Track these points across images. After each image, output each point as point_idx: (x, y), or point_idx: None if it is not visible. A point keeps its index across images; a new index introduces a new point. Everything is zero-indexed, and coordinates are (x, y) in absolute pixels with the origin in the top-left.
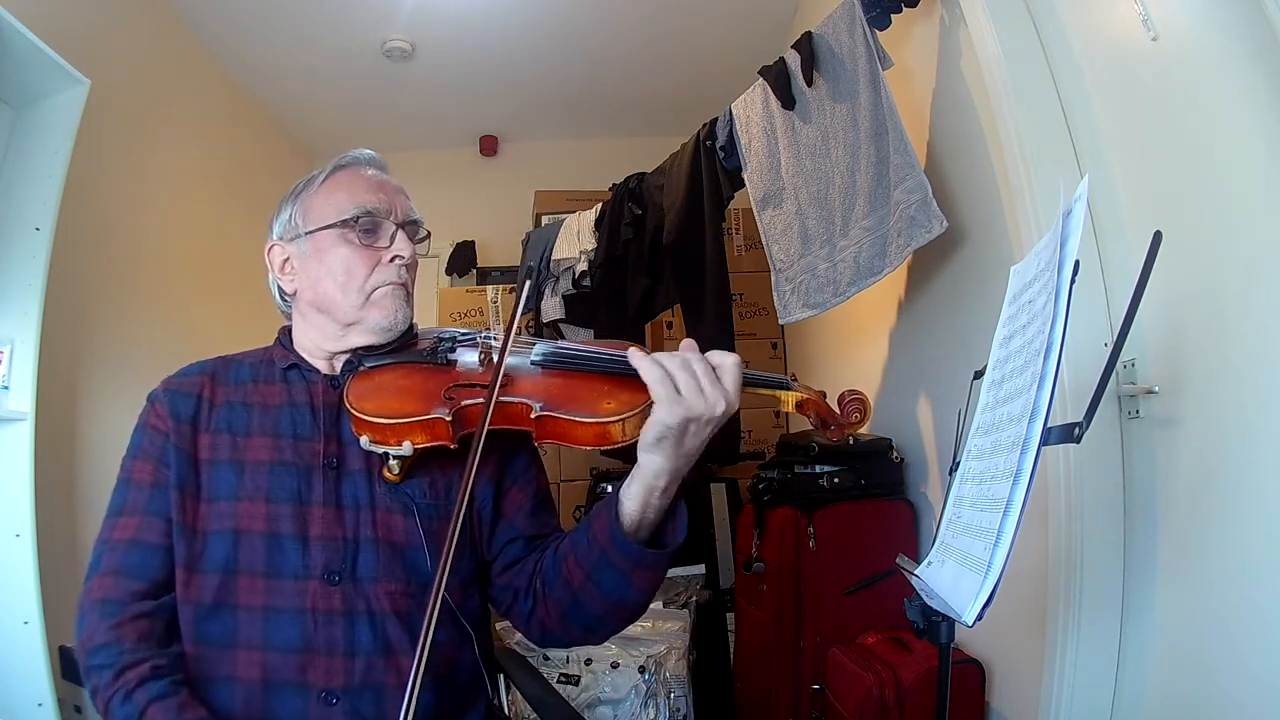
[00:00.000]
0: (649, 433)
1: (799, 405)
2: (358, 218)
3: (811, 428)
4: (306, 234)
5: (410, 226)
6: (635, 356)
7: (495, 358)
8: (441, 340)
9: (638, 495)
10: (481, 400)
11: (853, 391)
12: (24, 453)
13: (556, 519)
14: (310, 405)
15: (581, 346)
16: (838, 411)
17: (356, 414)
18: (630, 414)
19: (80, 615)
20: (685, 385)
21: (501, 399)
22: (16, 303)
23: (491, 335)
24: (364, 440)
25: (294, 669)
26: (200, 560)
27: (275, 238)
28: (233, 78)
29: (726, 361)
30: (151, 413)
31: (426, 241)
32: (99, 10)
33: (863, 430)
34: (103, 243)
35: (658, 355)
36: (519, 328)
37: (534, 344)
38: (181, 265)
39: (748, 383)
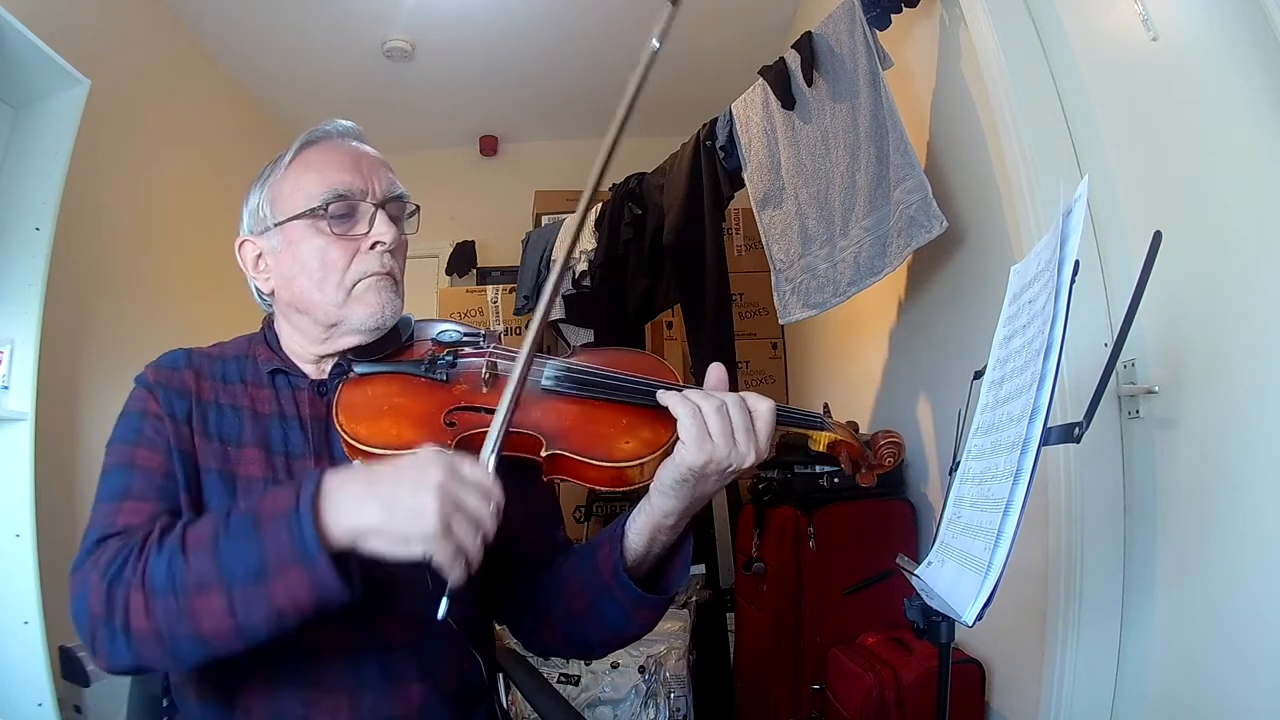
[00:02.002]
0: (668, 474)
1: (831, 446)
2: (328, 203)
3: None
4: (276, 225)
5: (393, 204)
6: (664, 394)
7: (498, 375)
8: (442, 346)
9: (644, 531)
10: (487, 429)
11: (888, 433)
12: (24, 453)
13: (562, 528)
14: (299, 417)
15: (598, 369)
16: (870, 454)
17: (348, 439)
18: (650, 456)
19: (77, 564)
20: (717, 428)
21: (508, 428)
22: (16, 303)
23: (495, 339)
24: (357, 465)
25: (299, 705)
26: None
27: (245, 232)
28: (232, 78)
29: (761, 407)
30: (149, 399)
31: (416, 218)
32: (99, 10)
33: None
34: (103, 243)
35: (689, 392)
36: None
37: (545, 363)
38: (181, 265)
39: (780, 422)
